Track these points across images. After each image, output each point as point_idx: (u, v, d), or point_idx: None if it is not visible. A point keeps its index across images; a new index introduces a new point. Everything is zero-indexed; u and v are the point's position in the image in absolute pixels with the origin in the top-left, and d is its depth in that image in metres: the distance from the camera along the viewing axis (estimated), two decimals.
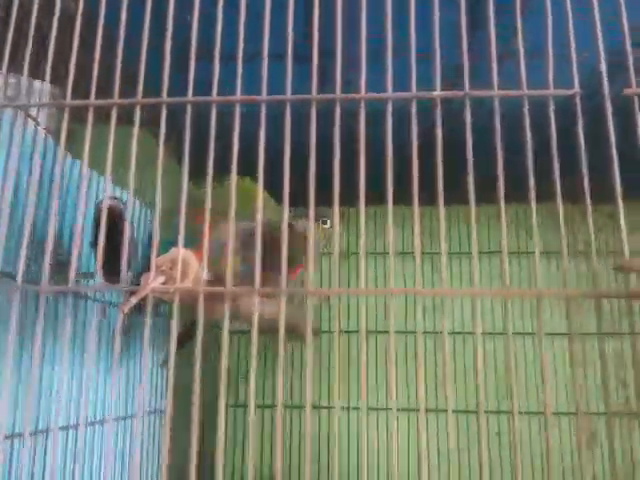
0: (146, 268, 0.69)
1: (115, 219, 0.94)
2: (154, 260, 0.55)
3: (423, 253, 1.55)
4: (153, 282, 0.54)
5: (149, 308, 0.52)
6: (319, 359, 1.61)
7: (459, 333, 1.56)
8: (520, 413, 1.48)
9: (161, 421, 1.10)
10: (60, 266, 0.79)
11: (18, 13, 0.60)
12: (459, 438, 1.43)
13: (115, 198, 0.95)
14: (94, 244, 0.90)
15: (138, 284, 0.65)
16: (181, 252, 0.55)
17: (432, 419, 1.48)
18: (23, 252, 0.55)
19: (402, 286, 1.58)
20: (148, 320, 0.52)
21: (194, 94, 0.56)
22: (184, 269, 0.61)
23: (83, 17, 0.58)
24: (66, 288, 0.55)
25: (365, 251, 0.53)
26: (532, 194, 0.50)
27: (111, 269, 0.90)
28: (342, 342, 1.58)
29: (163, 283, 0.56)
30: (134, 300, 0.55)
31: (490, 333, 1.50)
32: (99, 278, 0.90)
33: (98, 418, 0.84)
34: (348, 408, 1.53)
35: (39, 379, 0.69)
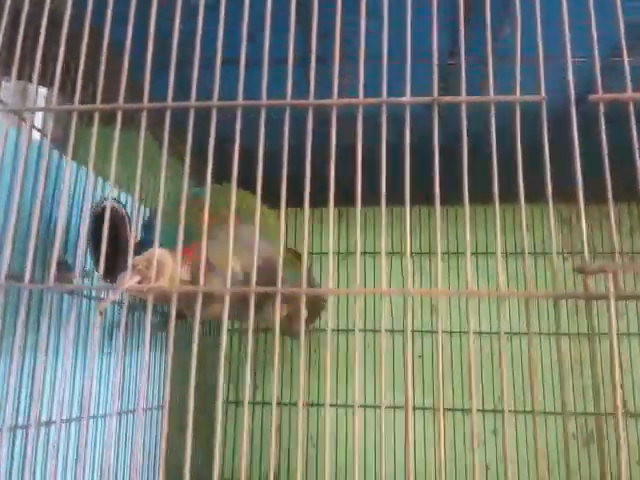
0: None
1: (114, 221, 0.95)
2: (130, 260, 0.57)
3: (419, 253, 1.57)
4: (128, 281, 0.56)
5: (124, 307, 0.54)
6: (310, 356, 1.64)
7: (455, 332, 1.58)
8: (515, 412, 1.51)
9: (159, 418, 1.11)
10: (58, 265, 0.80)
11: (22, 19, 0.62)
12: (464, 437, 1.46)
13: (115, 200, 0.96)
14: (92, 245, 0.92)
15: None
16: (157, 252, 0.57)
17: (427, 418, 1.52)
18: (30, 253, 0.56)
19: (395, 285, 1.61)
20: (123, 318, 0.54)
21: (197, 99, 0.58)
22: (159, 269, 0.63)
23: (90, 23, 0.60)
24: (72, 287, 0.57)
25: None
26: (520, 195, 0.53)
27: (109, 268, 0.92)
28: (333, 341, 1.60)
29: (139, 282, 0.58)
30: (109, 300, 0.57)
31: (485, 332, 1.53)
32: (97, 276, 0.92)
33: (93, 413, 0.85)
34: (330, 405, 1.55)
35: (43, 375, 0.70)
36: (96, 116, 0.58)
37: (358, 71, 0.56)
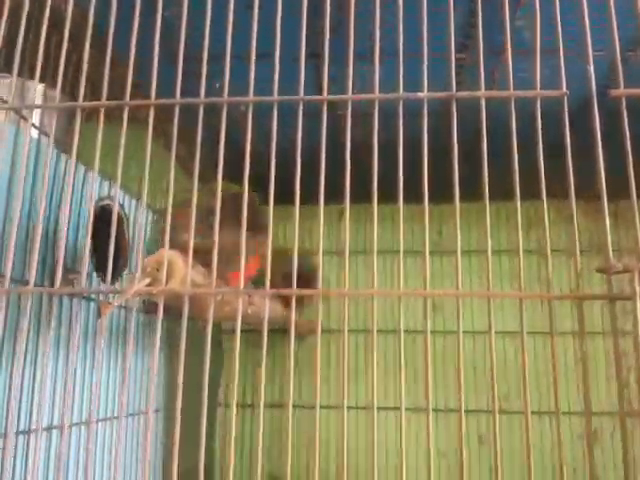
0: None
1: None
2: (140, 262, 0.56)
3: (438, 252, 1.55)
4: (138, 284, 0.54)
5: (133, 310, 0.52)
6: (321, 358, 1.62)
7: (468, 332, 1.57)
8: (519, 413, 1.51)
9: (159, 420, 1.09)
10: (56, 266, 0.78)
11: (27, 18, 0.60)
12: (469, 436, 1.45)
13: (112, 199, 0.94)
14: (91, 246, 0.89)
15: None
16: (167, 253, 0.55)
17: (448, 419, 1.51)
18: (34, 257, 0.54)
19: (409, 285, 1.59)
20: (132, 321, 0.52)
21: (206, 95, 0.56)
22: (170, 270, 0.61)
23: (94, 21, 0.58)
24: (78, 290, 0.55)
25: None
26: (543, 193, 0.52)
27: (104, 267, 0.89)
28: (336, 342, 1.59)
29: (149, 285, 0.56)
30: (116, 303, 0.55)
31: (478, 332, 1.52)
32: (95, 278, 0.90)
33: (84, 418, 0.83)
34: (327, 407, 1.54)
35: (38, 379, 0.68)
36: (101, 113, 0.56)
37: (373, 66, 0.54)
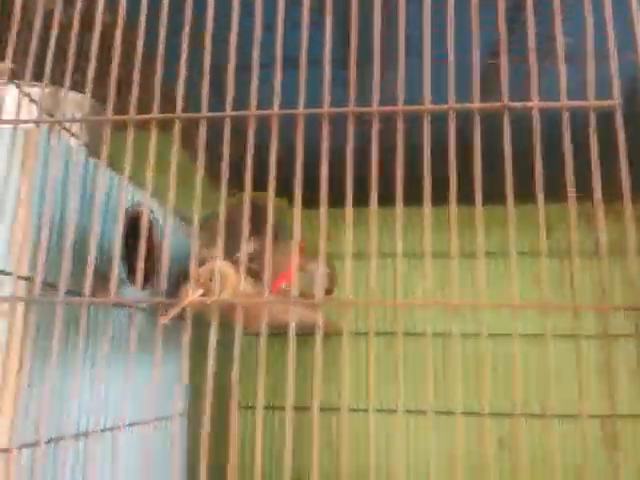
0: (180, 280, 0.70)
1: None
2: (193, 273, 0.56)
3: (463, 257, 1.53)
4: (192, 295, 0.55)
5: (188, 321, 0.53)
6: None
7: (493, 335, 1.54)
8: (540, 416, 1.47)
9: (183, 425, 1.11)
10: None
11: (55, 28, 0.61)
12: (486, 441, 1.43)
13: (143, 205, 0.95)
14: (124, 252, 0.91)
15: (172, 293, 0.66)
16: (218, 264, 0.56)
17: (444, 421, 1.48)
18: (65, 266, 0.56)
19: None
20: (188, 331, 0.53)
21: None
22: (222, 281, 0.62)
23: (122, 33, 0.59)
24: (109, 300, 0.56)
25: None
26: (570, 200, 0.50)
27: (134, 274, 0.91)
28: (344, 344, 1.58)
29: (202, 295, 0.57)
30: (173, 312, 0.56)
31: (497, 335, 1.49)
32: (129, 285, 0.91)
33: (126, 422, 0.85)
34: (356, 410, 1.53)
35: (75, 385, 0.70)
36: (130, 126, 0.58)
37: (423, 75, 0.54)
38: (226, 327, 0.57)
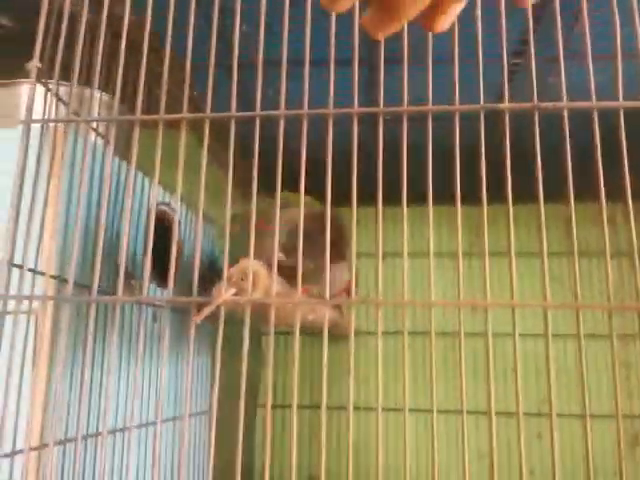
0: (207, 279, 0.70)
1: (166, 224, 0.95)
2: (225, 272, 0.57)
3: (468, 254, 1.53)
4: (225, 294, 0.55)
5: (222, 319, 0.54)
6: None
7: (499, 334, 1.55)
8: (561, 416, 1.48)
9: (206, 423, 1.11)
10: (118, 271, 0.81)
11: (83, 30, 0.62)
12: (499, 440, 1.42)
13: (165, 204, 0.96)
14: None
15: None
16: (251, 263, 0.56)
17: (471, 420, 1.49)
18: (97, 266, 0.56)
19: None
20: (220, 331, 0.54)
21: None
22: (254, 280, 0.63)
23: (150, 34, 0.59)
24: (141, 299, 0.57)
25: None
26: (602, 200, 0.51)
27: (161, 272, 0.92)
28: (362, 343, 1.59)
29: (234, 294, 0.58)
30: (207, 312, 0.56)
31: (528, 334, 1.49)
32: (153, 284, 0.92)
33: (149, 420, 0.85)
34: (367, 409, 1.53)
35: (101, 383, 0.70)
36: (160, 125, 0.58)
37: (453, 74, 0.54)
38: (240, 325, 0.57)
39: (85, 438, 0.62)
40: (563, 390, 1.36)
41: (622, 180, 0.53)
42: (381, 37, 0.26)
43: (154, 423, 0.86)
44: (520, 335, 0.48)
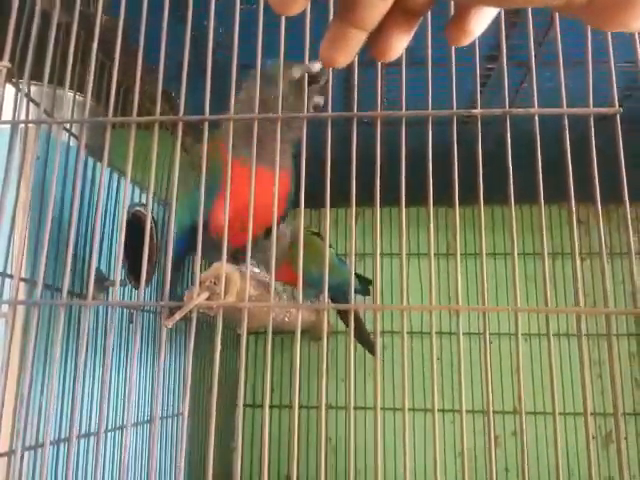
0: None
1: (143, 225, 0.94)
2: (197, 276, 0.56)
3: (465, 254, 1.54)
4: (197, 298, 0.55)
5: (193, 323, 0.53)
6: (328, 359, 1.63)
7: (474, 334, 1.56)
8: (538, 413, 1.50)
9: (175, 422, 1.11)
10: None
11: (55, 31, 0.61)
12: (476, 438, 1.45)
13: (143, 205, 0.95)
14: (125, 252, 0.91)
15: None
16: (224, 268, 0.56)
17: (446, 419, 1.50)
18: (67, 268, 0.55)
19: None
20: (192, 335, 0.53)
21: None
22: (227, 284, 0.62)
23: (123, 36, 0.58)
24: (112, 302, 0.56)
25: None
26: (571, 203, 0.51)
27: (136, 273, 0.91)
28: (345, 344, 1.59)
29: (207, 299, 0.57)
30: (178, 316, 0.56)
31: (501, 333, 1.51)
32: (128, 285, 0.91)
33: (124, 423, 0.85)
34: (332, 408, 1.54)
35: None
36: (133, 127, 0.57)
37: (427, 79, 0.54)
38: (214, 327, 0.57)
39: (55, 443, 0.62)
40: (539, 389, 1.38)
41: (592, 184, 0.53)
42: (345, 61, 0.25)
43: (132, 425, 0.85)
44: (497, 335, 0.49)
